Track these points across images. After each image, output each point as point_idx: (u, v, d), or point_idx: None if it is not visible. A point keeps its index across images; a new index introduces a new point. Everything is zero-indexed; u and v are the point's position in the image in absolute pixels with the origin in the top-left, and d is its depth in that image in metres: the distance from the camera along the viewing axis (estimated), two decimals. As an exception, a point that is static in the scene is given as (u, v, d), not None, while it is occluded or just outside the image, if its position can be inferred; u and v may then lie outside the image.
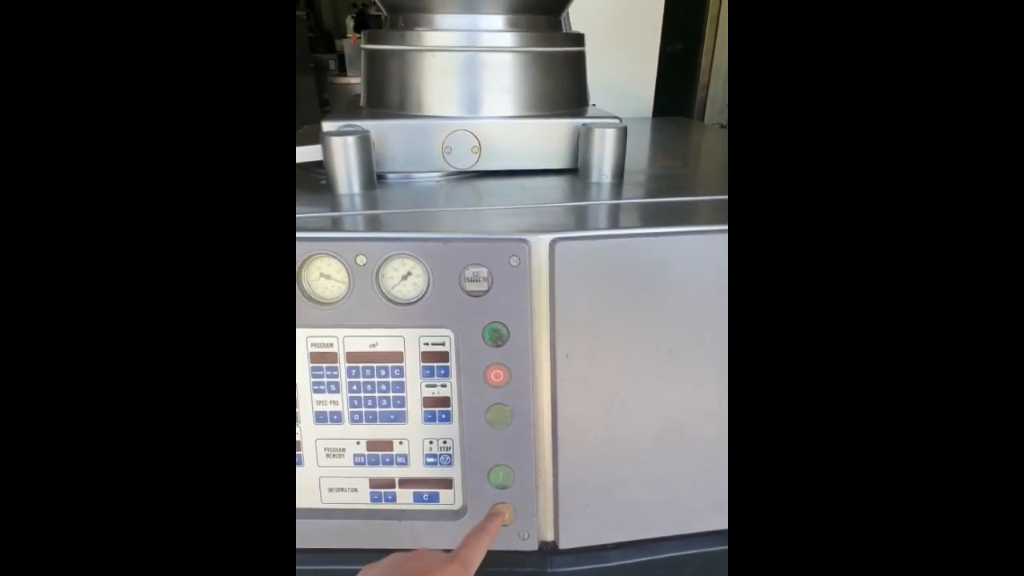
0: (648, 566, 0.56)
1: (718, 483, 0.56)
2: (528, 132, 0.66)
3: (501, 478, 0.53)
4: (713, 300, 0.51)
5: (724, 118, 4.41)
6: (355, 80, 4.16)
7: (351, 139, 0.59)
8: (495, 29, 0.65)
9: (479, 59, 0.65)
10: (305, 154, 0.64)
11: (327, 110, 3.86)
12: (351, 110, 0.72)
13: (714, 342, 0.52)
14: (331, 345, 0.52)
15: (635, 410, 0.53)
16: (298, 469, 0.55)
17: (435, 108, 0.67)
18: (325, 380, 0.53)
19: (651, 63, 1.18)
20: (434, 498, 0.55)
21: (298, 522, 0.55)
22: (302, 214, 0.55)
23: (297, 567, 0.56)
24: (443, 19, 0.66)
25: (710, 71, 4.73)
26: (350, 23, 9.91)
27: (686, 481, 0.56)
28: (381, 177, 0.65)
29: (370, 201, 0.60)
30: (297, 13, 3.33)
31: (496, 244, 0.49)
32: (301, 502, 0.55)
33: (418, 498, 0.55)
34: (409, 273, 0.50)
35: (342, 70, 5.36)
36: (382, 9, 0.74)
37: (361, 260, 0.49)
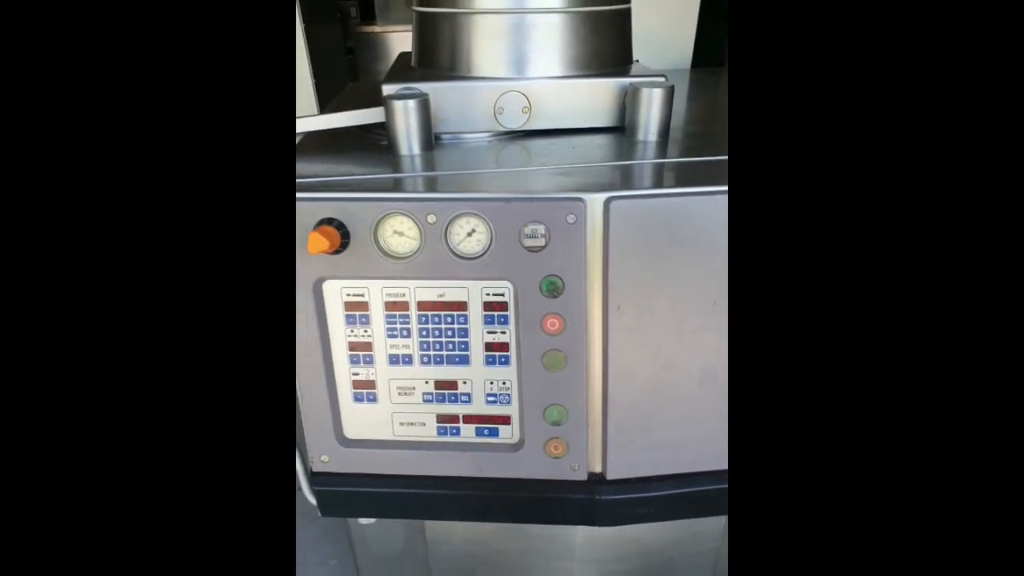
0: (686, 497, 0.62)
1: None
2: (576, 92, 0.69)
3: (555, 415, 0.59)
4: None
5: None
6: (379, 28, 4.08)
7: (412, 103, 0.63)
8: (546, -10, 0.67)
9: (528, 20, 0.67)
10: (366, 116, 0.67)
11: (351, 58, 3.82)
12: (404, 71, 0.75)
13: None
14: (403, 295, 0.57)
15: (678, 357, 0.57)
16: (372, 406, 0.62)
17: (486, 69, 0.69)
18: (398, 326, 0.58)
19: (691, 13, 1.17)
20: (494, 432, 0.62)
21: (371, 451, 0.62)
22: (370, 175, 0.59)
23: (367, 490, 0.64)
24: (494, -20, 0.68)
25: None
26: (370, -34, 9.50)
27: (723, 421, 0.61)
28: (436, 138, 0.69)
29: (429, 162, 0.64)
30: (321, -39, 3.25)
31: (554, 203, 0.53)
32: (375, 435, 0.62)
33: (480, 432, 0.62)
34: (473, 230, 0.54)
35: (365, 18, 5.25)
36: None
37: (431, 219, 0.54)
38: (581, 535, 0.77)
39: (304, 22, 2.69)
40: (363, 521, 0.72)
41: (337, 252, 0.54)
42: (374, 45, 4.05)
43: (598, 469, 0.62)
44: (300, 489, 0.70)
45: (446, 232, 0.54)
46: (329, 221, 0.53)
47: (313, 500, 0.67)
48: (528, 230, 0.54)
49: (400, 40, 4.01)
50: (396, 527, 0.81)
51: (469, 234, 0.54)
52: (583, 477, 0.61)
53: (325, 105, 2.85)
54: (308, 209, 0.54)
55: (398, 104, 0.63)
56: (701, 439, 0.61)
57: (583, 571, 0.80)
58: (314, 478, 0.64)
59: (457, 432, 0.62)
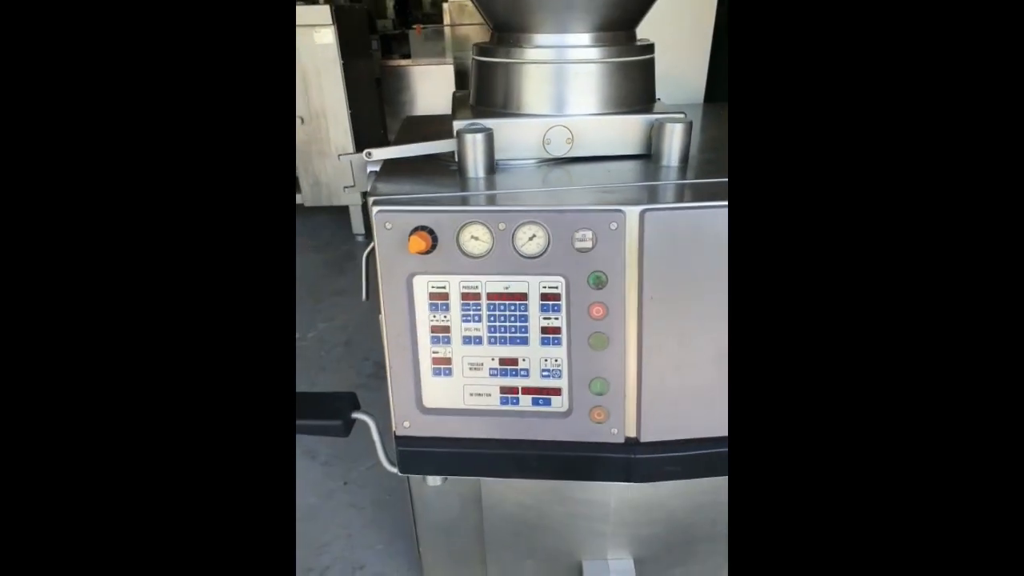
0: (707, 457, 0.75)
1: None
2: (611, 126, 0.84)
3: (599, 387, 0.73)
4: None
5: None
6: (404, 62, 4.33)
7: (479, 136, 0.78)
8: (582, 45, 0.82)
9: (571, 69, 0.83)
10: (440, 147, 0.83)
11: (380, 90, 4.06)
12: (464, 109, 0.90)
13: (760, 287, 0.69)
14: (476, 287, 0.72)
15: (699, 340, 0.71)
16: (448, 379, 0.75)
17: (536, 108, 0.85)
18: (471, 313, 0.72)
19: (703, 55, 1.33)
20: (547, 402, 0.75)
21: (445, 417, 0.76)
22: (449, 193, 0.74)
23: (441, 449, 0.77)
24: (541, 38, 0.83)
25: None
26: (391, 2, 9.95)
27: (736, 394, 0.74)
28: (496, 163, 0.84)
29: (492, 183, 0.78)
30: (355, 4, 3.51)
31: (600, 214, 0.67)
32: (449, 404, 0.76)
33: (535, 402, 0.75)
34: (534, 235, 0.69)
35: (385, 52, 5.51)
36: (488, 24, 0.91)
37: (502, 226, 0.68)
38: (615, 500, 0.89)
39: (342, 58, 2.91)
40: (430, 482, 0.85)
41: (428, 252, 0.69)
42: (398, 77, 4.29)
43: (633, 433, 0.75)
44: (379, 458, 0.83)
45: (513, 237, 0.69)
46: (423, 228, 0.68)
47: (392, 468, 0.80)
48: (579, 235, 0.68)
49: (419, 73, 4.25)
50: (453, 496, 0.94)
51: (531, 238, 0.69)
52: (621, 440, 0.74)
53: (357, 123, 3.05)
54: (406, 219, 0.68)
55: (468, 137, 0.79)
56: (719, 408, 0.74)
57: (616, 532, 0.92)
58: (397, 440, 0.78)
59: (516, 402, 0.75)
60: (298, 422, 0.87)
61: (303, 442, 1.76)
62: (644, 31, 0.94)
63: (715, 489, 0.88)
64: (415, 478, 0.94)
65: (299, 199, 3.18)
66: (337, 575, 1.33)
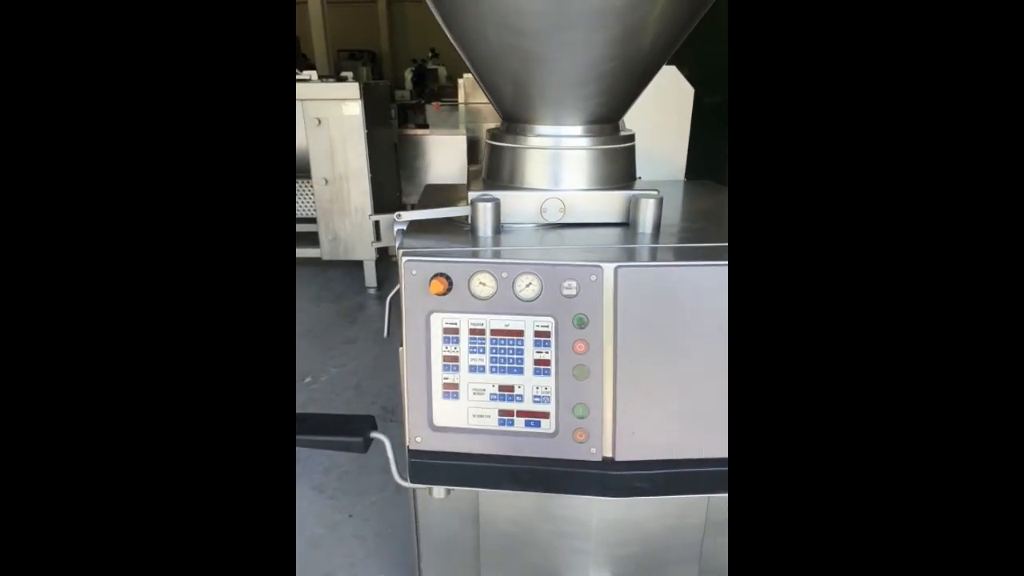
0: (675, 476, 0.88)
1: (717, 426, 0.88)
2: (596, 199, 1.02)
3: (581, 412, 0.87)
4: (717, 308, 0.84)
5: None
6: (420, 132, 4.69)
7: (489, 204, 0.97)
8: (575, 135, 1.03)
9: (565, 153, 1.03)
10: (457, 211, 1.02)
11: (396, 156, 4.38)
12: (477, 182, 1.10)
13: (714, 338, 0.85)
14: (482, 325, 0.88)
15: (666, 373, 0.86)
16: (455, 402, 0.90)
17: (535, 183, 1.04)
18: (477, 346, 0.88)
19: (683, 139, 1.54)
20: (537, 424, 0.89)
21: (451, 435, 0.90)
22: (463, 247, 0.91)
23: (447, 462, 0.90)
24: (541, 128, 1.04)
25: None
26: (409, 76, 10.60)
27: (699, 421, 0.88)
28: (501, 226, 1.02)
29: (498, 241, 0.96)
30: (379, 82, 3.89)
31: (583, 268, 0.84)
32: (455, 423, 0.90)
33: (528, 423, 0.89)
34: (530, 283, 0.86)
35: (402, 121, 5.92)
36: (500, 115, 1.12)
37: (504, 275, 0.85)
38: (595, 520, 1.01)
39: (366, 128, 3.20)
40: (436, 494, 0.97)
41: (444, 294, 0.85)
42: (414, 144, 4.62)
43: (610, 453, 0.88)
44: (393, 472, 0.96)
45: (513, 284, 0.85)
46: (441, 274, 0.85)
47: (404, 482, 0.93)
48: (566, 284, 0.85)
49: (434, 141, 4.59)
50: (453, 514, 1.05)
51: (527, 285, 0.86)
52: (599, 459, 0.88)
53: (376, 185, 3.30)
54: (428, 266, 0.86)
55: (480, 205, 0.97)
56: (685, 433, 0.88)
57: (597, 551, 1.03)
58: (410, 454, 0.91)
59: (512, 423, 0.90)
60: (323, 438, 1.01)
61: (311, 477, 1.86)
62: (632, 120, 1.15)
63: (686, 512, 1.00)
64: (420, 498, 1.06)
65: (318, 253, 3.40)
66: (340, 601, 1.41)
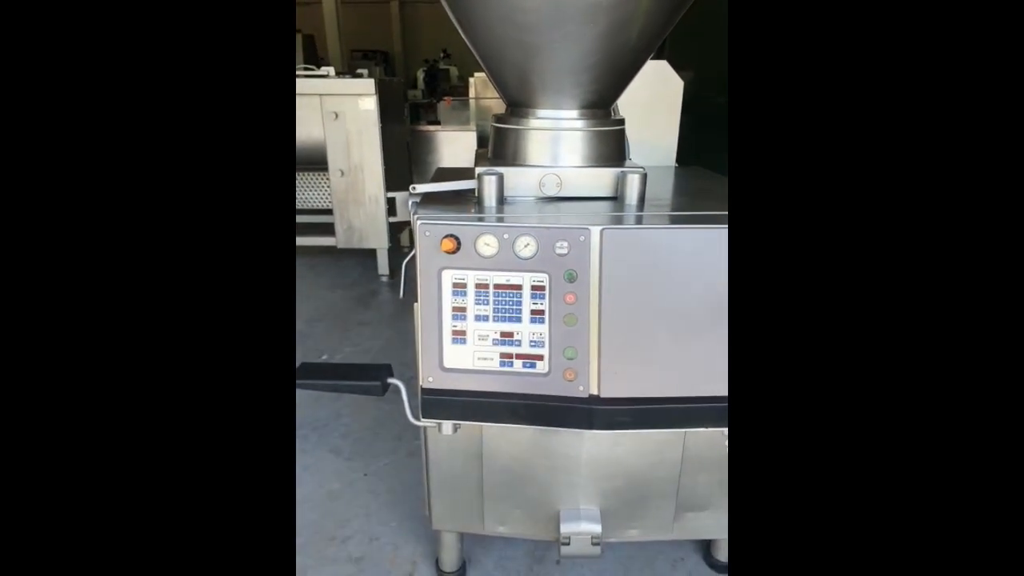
0: (653, 411, 1.01)
1: (701, 365, 1.01)
2: (590, 175, 1.16)
3: (570, 354, 1.01)
4: (688, 266, 0.97)
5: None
6: (431, 128, 4.84)
7: (494, 177, 1.11)
8: (572, 118, 1.16)
9: (562, 134, 1.16)
10: (466, 185, 1.16)
11: (409, 151, 4.54)
12: (483, 160, 1.24)
13: (685, 290, 0.98)
14: (486, 280, 1.02)
15: (643, 320, 0.99)
16: (462, 346, 1.04)
17: (535, 160, 1.18)
18: (482, 298, 1.02)
19: (674, 128, 1.68)
20: (533, 365, 1.03)
21: (459, 375, 1.04)
22: (470, 214, 1.05)
23: (454, 399, 1.04)
24: (541, 112, 1.18)
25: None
26: (421, 75, 10.73)
27: (674, 360, 1.01)
28: (504, 198, 1.16)
29: (501, 210, 1.10)
30: (393, 79, 4.04)
31: (573, 230, 0.98)
32: (463, 365, 1.04)
33: (525, 365, 1.03)
34: (528, 244, 0.99)
35: (414, 119, 6.07)
36: (504, 101, 1.26)
37: (506, 236, 0.99)
38: (585, 456, 1.14)
39: (380, 122, 3.36)
40: (445, 430, 1.11)
41: (453, 253, 0.99)
42: (426, 140, 4.78)
43: (596, 391, 1.02)
44: (406, 412, 1.10)
45: (513, 244, 0.99)
46: (451, 235, 0.99)
47: (417, 421, 1.07)
48: (558, 244, 0.98)
49: (445, 137, 4.74)
50: (459, 453, 1.19)
51: (526, 246, 0.99)
52: (586, 395, 1.01)
53: (389, 177, 3.45)
54: (440, 228, 1.00)
55: (485, 178, 1.11)
56: (661, 374, 1.01)
57: (587, 484, 1.16)
58: (423, 392, 1.05)
59: (511, 365, 1.03)
60: (346, 382, 1.16)
61: (329, 440, 2.01)
62: (627, 111, 1.28)
63: (663, 449, 1.13)
64: (430, 438, 1.20)
65: (333, 242, 3.55)
66: (356, 543, 1.55)
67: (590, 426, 1.02)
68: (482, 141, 4.22)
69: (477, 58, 1.22)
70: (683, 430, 1.10)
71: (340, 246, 3.58)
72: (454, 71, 9.54)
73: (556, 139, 1.17)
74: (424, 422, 1.08)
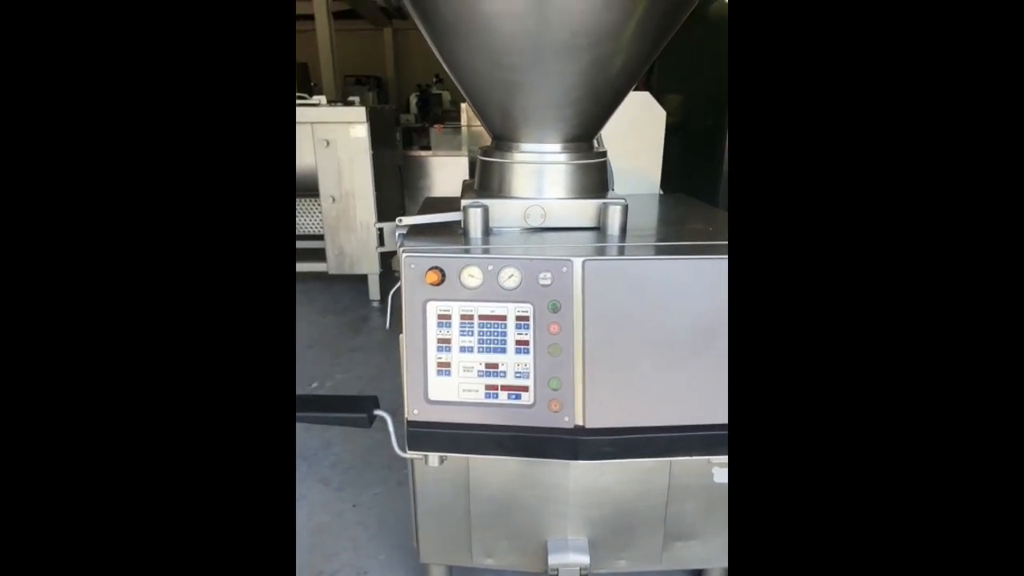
0: (636, 441, 1.02)
1: (684, 394, 1.02)
2: (573, 207, 1.18)
3: (555, 385, 1.01)
4: (668, 295, 0.99)
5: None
6: (423, 153, 4.90)
7: (479, 210, 1.13)
8: (555, 152, 1.19)
9: (546, 167, 1.19)
10: (452, 216, 1.18)
11: (401, 176, 4.58)
12: (469, 192, 1.26)
13: (667, 320, 1.00)
14: (471, 311, 1.03)
15: (627, 348, 1.00)
16: (447, 378, 1.04)
17: (520, 193, 1.20)
18: (466, 329, 1.03)
19: (657, 157, 1.71)
20: (518, 396, 1.03)
21: (444, 407, 1.04)
22: (455, 245, 1.07)
23: (440, 431, 1.04)
24: (525, 146, 1.20)
25: (734, 147, 5.29)
26: (414, 100, 10.87)
27: (659, 390, 1.02)
28: (490, 229, 1.18)
29: (487, 241, 1.12)
30: (385, 106, 4.10)
31: (556, 261, 0.99)
32: (448, 397, 1.04)
33: (510, 396, 1.03)
34: (512, 275, 1.01)
35: (407, 143, 6.14)
36: (489, 135, 1.29)
37: (490, 267, 1.00)
38: (572, 485, 1.14)
39: (372, 149, 3.40)
40: (431, 462, 1.11)
41: (438, 285, 1.01)
42: (418, 165, 4.83)
43: (581, 421, 1.02)
44: (393, 444, 1.10)
45: (498, 275, 1.01)
46: (436, 267, 1.01)
47: (403, 453, 1.07)
48: (542, 275, 1.00)
49: (437, 162, 4.79)
50: (447, 483, 1.19)
51: (510, 277, 1.01)
52: (571, 426, 1.02)
53: (380, 203, 3.48)
54: (425, 260, 1.01)
55: (471, 210, 1.13)
56: (645, 404, 1.02)
57: (574, 514, 1.16)
58: (408, 425, 1.05)
59: (496, 396, 1.04)
60: (333, 415, 1.16)
61: (318, 471, 1.99)
62: (612, 141, 1.32)
63: (649, 478, 1.13)
64: (417, 470, 1.20)
65: (325, 267, 3.56)
66: (344, 577, 1.53)
67: (575, 457, 1.02)
68: (473, 166, 4.27)
69: (462, 93, 1.25)
70: (668, 459, 1.10)
71: (331, 272, 3.58)
72: (447, 96, 9.68)
73: (540, 172, 1.19)
74: (410, 454, 1.08)
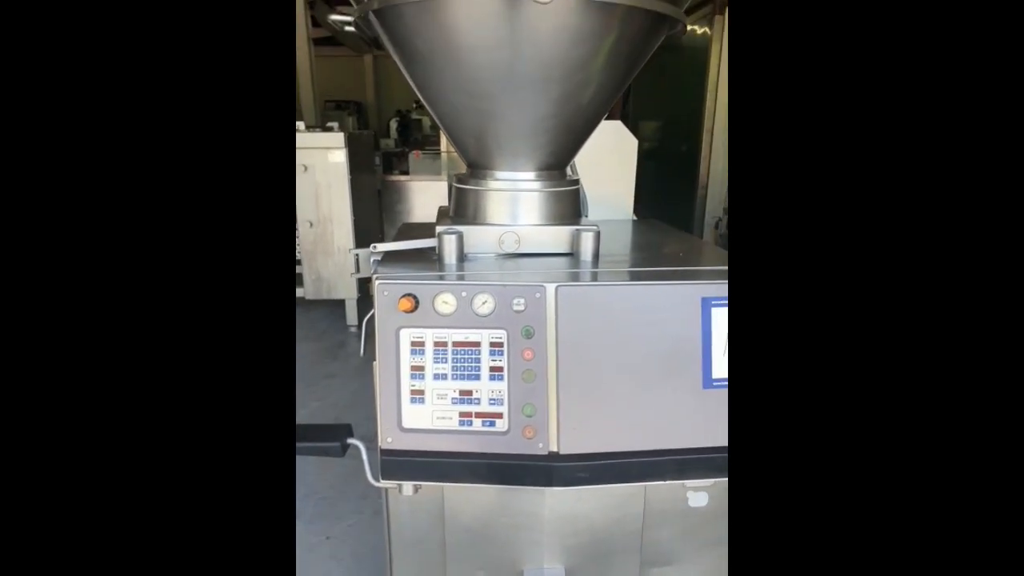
0: (611, 466, 1.02)
1: (657, 418, 1.02)
2: (546, 233, 1.20)
3: (529, 411, 1.01)
4: (640, 320, 1.00)
5: (720, 211, 5.00)
6: (402, 177, 4.92)
7: (454, 236, 1.13)
8: (529, 179, 1.21)
9: (520, 194, 1.21)
10: (427, 243, 1.18)
11: (380, 200, 4.57)
12: (445, 218, 1.27)
13: (638, 344, 1.01)
14: (444, 338, 1.02)
15: (600, 374, 1.01)
16: (421, 406, 1.03)
17: (494, 219, 1.21)
18: (440, 356, 1.03)
19: (630, 184, 1.75)
20: (492, 423, 1.03)
21: (418, 435, 1.03)
22: (429, 272, 1.07)
23: (414, 459, 1.03)
24: (500, 173, 1.22)
25: (708, 173, 5.41)
26: (394, 125, 10.93)
27: (631, 415, 1.02)
28: (465, 255, 1.18)
29: (461, 267, 1.12)
30: (363, 131, 4.13)
31: (529, 287, 1.00)
32: (422, 424, 1.03)
33: (484, 423, 1.03)
34: (485, 301, 1.01)
35: (387, 167, 6.16)
36: (464, 164, 1.31)
37: (463, 294, 1.01)
38: (547, 513, 1.13)
39: (350, 174, 3.40)
40: (405, 491, 1.09)
41: (411, 312, 1.01)
42: (397, 189, 4.82)
43: (555, 448, 1.02)
44: (366, 473, 1.08)
45: (471, 302, 1.01)
46: (409, 294, 1.01)
47: (376, 482, 1.05)
48: (515, 301, 1.01)
49: (416, 186, 4.81)
50: (422, 512, 1.17)
51: (483, 303, 1.01)
52: (545, 452, 1.01)
53: (358, 227, 3.47)
54: (398, 287, 1.01)
55: (445, 237, 1.14)
56: (620, 429, 1.02)
57: (550, 542, 1.14)
58: (382, 453, 1.04)
59: (470, 423, 1.03)
60: (305, 444, 1.14)
61: (291, 502, 1.94)
62: (586, 168, 1.34)
63: (625, 504, 1.13)
64: (391, 500, 1.18)
65: (302, 292, 3.52)
66: (316, 614, 1.48)
67: (549, 483, 1.02)
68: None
69: (437, 122, 1.27)
70: (643, 484, 1.10)
71: (309, 297, 3.55)
72: (426, 121, 9.78)
73: (514, 199, 1.21)
74: (384, 483, 1.06)
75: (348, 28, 1.24)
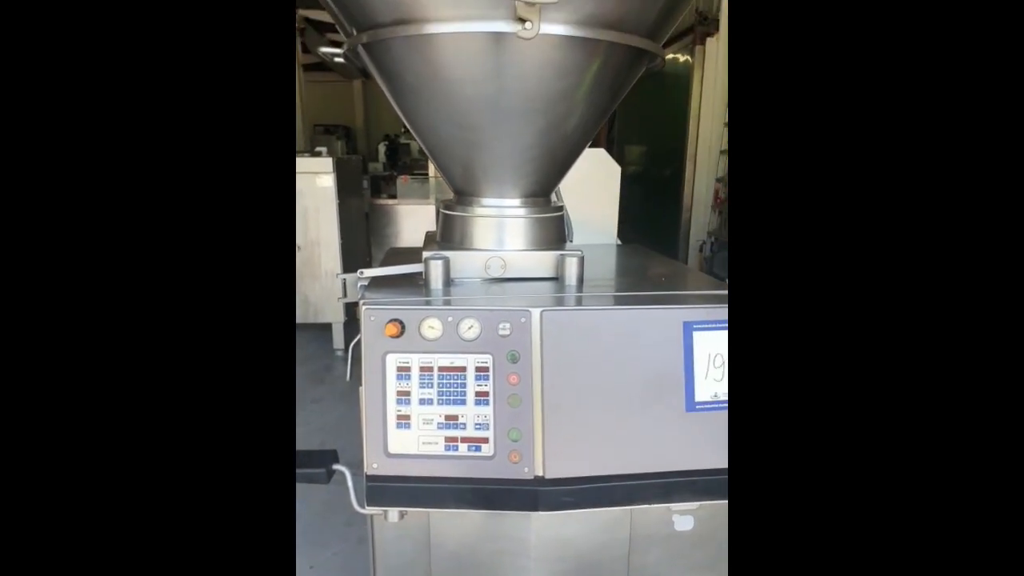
0: (596, 490, 1.02)
1: (642, 442, 1.03)
2: (531, 258, 1.22)
3: (514, 435, 1.02)
4: (624, 344, 1.02)
5: (703, 235, 5.08)
6: (390, 201, 4.95)
7: (440, 262, 1.15)
8: (514, 206, 1.24)
9: (505, 221, 1.23)
10: (413, 268, 1.20)
11: (367, 223, 4.59)
12: (432, 244, 1.29)
13: (623, 368, 1.02)
14: (430, 363, 1.03)
15: (585, 398, 1.02)
16: (407, 431, 1.04)
17: (481, 245, 1.23)
18: (426, 381, 1.03)
19: (614, 210, 1.79)
20: (478, 448, 1.03)
21: (404, 460, 1.03)
22: (416, 297, 1.08)
23: (400, 485, 1.03)
24: (486, 200, 1.25)
25: (692, 196, 5.51)
26: (382, 149, 11.01)
27: (620, 438, 1.03)
28: (451, 280, 1.20)
29: (448, 292, 1.14)
30: (352, 156, 4.17)
31: (515, 312, 1.02)
32: (407, 450, 1.03)
33: (470, 448, 1.03)
34: (471, 326, 1.03)
35: (375, 191, 6.18)
36: (451, 191, 1.33)
37: (450, 319, 1.02)
38: (534, 538, 1.12)
39: (338, 198, 3.42)
40: (391, 518, 1.08)
41: (398, 337, 1.01)
42: (384, 213, 4.85)
43: (541, 472, 1.02)
44: (352, 499, 1.08)
45: (457, 326, 1.02)
46: (395, 319, 1.02)
47: (362, 509, 1.05)
48: (501, 326, 1.02)
49: (404, 210, 4.84)
50: (407, 539, 1.16)
51: (469, 328, 1.03)
52: (531, 477, 1.02)
53: (346, 251, 3.47)
54: (384, 313, 1.02)
55: (432, 262, 1.16)
56: (605, 453, 1.03)
57: (537, 567, 1.13)
58: (367, 479, 1.03)
59: (456, 448, 1.03)
60: (290, 471, 1.12)
61: (274, 530, 1.91)
62: (571, 195, 1.37)
63: (611, 528, 1.13)
64: (377, 526, 1.17)
65: (288, 315, 3.51)
66: (298, 646, 1.45)
67: (535, 508, 1.02)
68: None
69: (425, 150, 1.30)
70: (629, 507, 1.11)
71: (296, 320, 3.53)
72: (415, 146, 9.87)
73: (500, 225, 1.23)
74: (369, 510, 1.05)
75: (338, 59, 1.27)
